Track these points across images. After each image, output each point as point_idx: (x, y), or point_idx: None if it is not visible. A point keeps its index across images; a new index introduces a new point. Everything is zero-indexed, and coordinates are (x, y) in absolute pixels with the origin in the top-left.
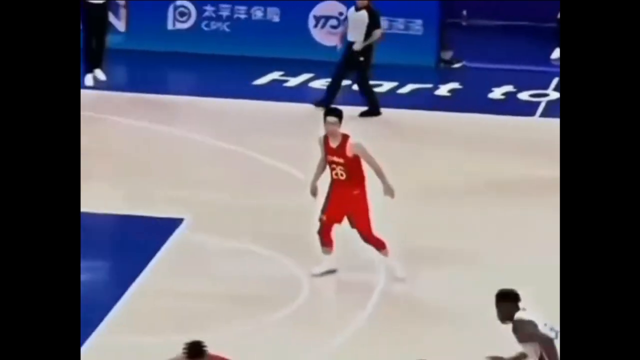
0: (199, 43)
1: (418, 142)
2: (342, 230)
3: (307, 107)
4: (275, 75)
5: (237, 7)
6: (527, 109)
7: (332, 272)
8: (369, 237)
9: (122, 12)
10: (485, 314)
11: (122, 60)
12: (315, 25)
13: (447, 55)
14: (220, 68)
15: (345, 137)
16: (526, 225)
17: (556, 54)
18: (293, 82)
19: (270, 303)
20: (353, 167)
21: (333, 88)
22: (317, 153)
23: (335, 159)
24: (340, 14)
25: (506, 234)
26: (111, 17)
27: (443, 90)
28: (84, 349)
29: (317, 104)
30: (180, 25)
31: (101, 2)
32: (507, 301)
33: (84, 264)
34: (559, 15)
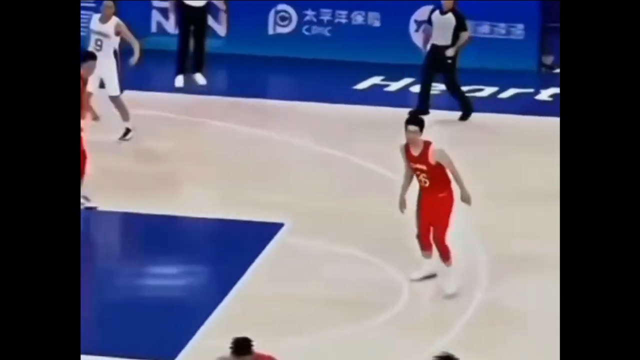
0: (300, 47)
1: (518, 146)
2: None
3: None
4: (376, 79)
5: (337, 11)
6: None
7: (431, 276)
8: (440, 241)
9: (223, 16)
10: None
11: (222, 64)
12: (417, 30)
13: (549, 59)
14: (320, 73)
15: (427, 144)
16: None
17: None
18: (394, 86)
19: (370, 308)
20: (437, 173)
21: (424, 94)
22: None
23: (419, 166)
24: None
25: None
26: (212, 21)
27: (544, 95)
28: (184, 353)
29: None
30: (280, 30)
31: (200, 5)
32: None
33: (184, 268)
34: None
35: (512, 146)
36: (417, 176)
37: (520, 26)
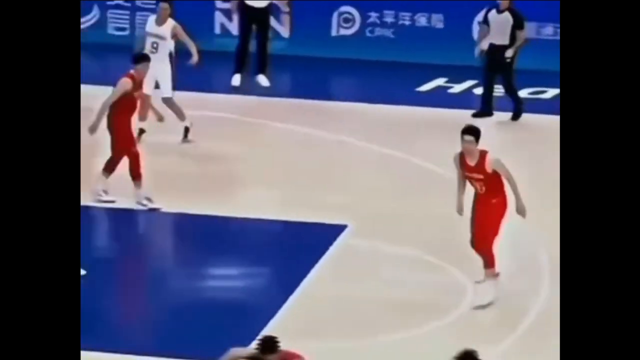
0: (363, 49)
1: None
2: (507, 237)
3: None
4: (440, 81)
5: (401, 13)
6: None
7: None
8: (487, 247)
9: (286, 18)
10: None
11: (285, 66)
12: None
13: None
14: (383, 74)
15: (483, 154)
16: None
17: None
18: (457, 88)
19: (434, 310)
20: (493, 181)
21: (487, 96)
22: None
23: (475, 175)
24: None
25: None
26: (275, 23)
27: None
28: None
29: (476, 114)
30: (344, 32)
31: (262, 5)
32: None
33: (247, 270)
34: None
35: None
36: (472, 184)
37: None
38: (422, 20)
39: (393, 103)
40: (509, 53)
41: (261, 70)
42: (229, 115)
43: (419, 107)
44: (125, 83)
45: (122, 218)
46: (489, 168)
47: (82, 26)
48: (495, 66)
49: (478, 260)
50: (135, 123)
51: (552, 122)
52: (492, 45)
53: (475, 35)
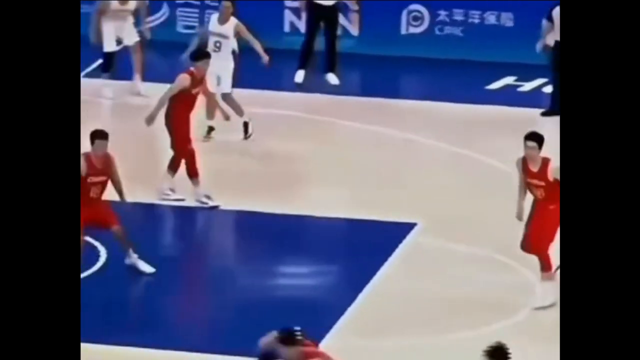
0: (432, 47)
1: None
2: None
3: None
4: (509, 80)
5: (470, 11)
6: None
7: None
8: (544, 251)
9: (355, 16)
10: None
11: (354, 64)
12: None
13: None
14: (453, 73)
15: (545, 161)
16: None
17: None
18: (527, 86)
19: (502, 309)
20: (553, 188)
21: (556, 94)
22: None
23: (536, 182)
24: None
25: None
26: (344, 21)
27: None
28: None
29: (545, 113)
30: (413, 30)
31: (330, 4)
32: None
33: (317, 268)
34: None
35: None
36: (532, 190)
37: None
38: (491, 18)
39: (462, 101)
40: None
41: (330, 68)
42: (297, 113)
43: (488, 106)
44: (183, 79)
45: (190, 216)
46: (550, 176)
47: (151, 24)
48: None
49: None
50: (194, 120)
51: None
52: (557, 43)
53: None
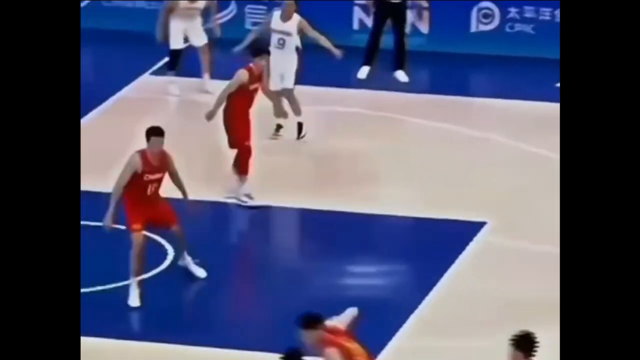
0: (503, 45)
1: None
2: None
3: None
4: None
5: (541, 9)
6: None
7: None
8: None
9: (425, 13)
10: None
11: (424, 62)
12: None
13: None
14: (523, 70)
15: None
16: None
17: None
18: None
19: None
20: None
21: None
22: None
23: None
24: None
25: None
26: (414, 19)
27: None
28: (385, 352)
29: None
30: (483, 27)
31: (398, 0)
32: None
33: (385, 267)
34: None
35: None
36: None
37: None
38: None
39: (532, 99)
40: None
41: (400, 66)
42: (367, 111)
43: (556, 103)
44: (242, 75)
45: (257, 215)
46: None
47: (218, 21)
48: None
49: None
50: (253, 117)
51: None
52: None
53: None
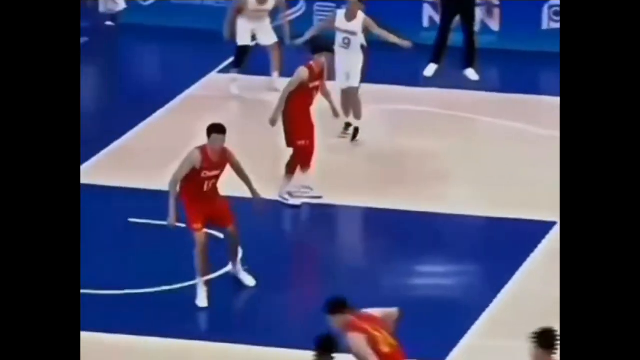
0: None
1: None
2: None
3: None
4: None
5: None
6: None
7: None
8: None
9: (495, 11)
10: None
11: (494, 60)
12: None
13: None
14: None
15: None
16: None
17: None
18: None
19: None
20: None
21: None
22: None
23: None
24: None
25: None
26: (484, 16)
27: None
28: (454, 353)
29: None
30: (554, 25)
31: None
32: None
33: (454, 267)
34: None
35: None
36: None
37: None
38: None
39: None
40: None
41: (470, 64)
42: (436, 109)
43: None
44: (302, 72)
45: (323, 213)
46: None
47: (287, 19)
48: None
49: None
50: (315, 114)
51: None
52: None
53: None
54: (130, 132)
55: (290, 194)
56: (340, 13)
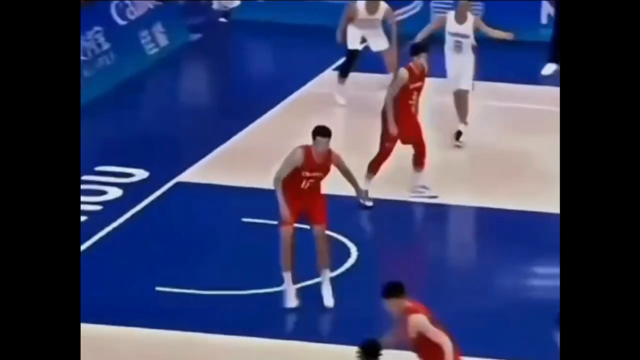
0: None
1: None
2: None
3: None
4: None
5: None
6: None
7: None
8: None
9: None
10: None
11: None
12: None
13: None
14: None
15: None
16: None
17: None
18: None
19: None
20: None
21: None
22: None
23: None
24: None
25: None
26: None
27: None
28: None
29: None
30: None
31: None
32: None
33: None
34: None
35: None
36: None
37: None
38: None
39: None
40: None
41: (555, 59)
42: (554, 108)
43: None
44: (403, 74)
45: (437, 213)
46: None
47: (401, 17)
48: None
49: None
50: (420, 116)
51: None
52: None
53: None
54: (245, 130)
55: (424, 187)
56: (451, 15)
